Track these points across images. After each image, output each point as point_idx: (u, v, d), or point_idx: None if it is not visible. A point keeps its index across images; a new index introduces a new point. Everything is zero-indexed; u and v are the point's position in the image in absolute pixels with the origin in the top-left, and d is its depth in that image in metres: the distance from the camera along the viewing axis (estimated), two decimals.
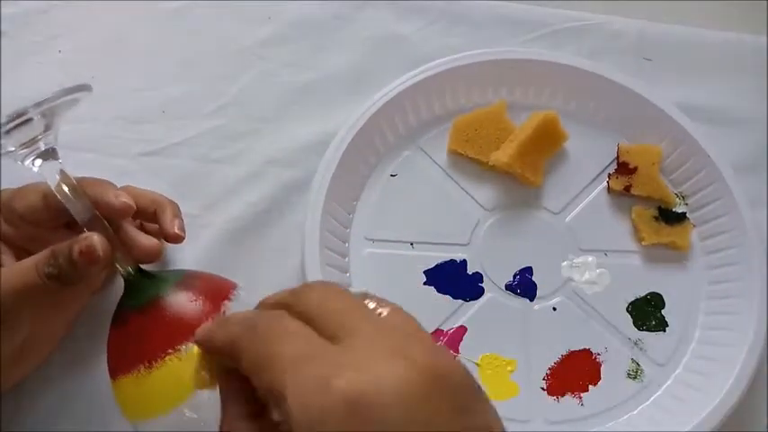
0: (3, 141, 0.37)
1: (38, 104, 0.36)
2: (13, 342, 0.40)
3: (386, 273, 0.50)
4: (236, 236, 0.51)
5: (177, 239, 0.45)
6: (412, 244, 0.51)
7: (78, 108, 0.49)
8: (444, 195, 0.53)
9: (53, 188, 0.39)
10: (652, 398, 0.48)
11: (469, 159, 0.53)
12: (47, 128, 0.38)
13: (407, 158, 0.54)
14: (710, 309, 0.50)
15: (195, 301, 0.39)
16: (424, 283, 0.50)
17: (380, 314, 0.29)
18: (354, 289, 0.43)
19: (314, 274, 0.47)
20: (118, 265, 0.40)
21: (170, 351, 0.37)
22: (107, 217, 0.41)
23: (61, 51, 0.56)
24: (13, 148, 0.38)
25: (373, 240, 0.51)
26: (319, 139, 0.53)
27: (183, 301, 0.39)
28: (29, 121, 0.36)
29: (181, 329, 0.37)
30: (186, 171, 0.53)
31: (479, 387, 0.27)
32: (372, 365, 0.25)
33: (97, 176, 0.50)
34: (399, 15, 0.59)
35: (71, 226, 0.42)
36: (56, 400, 0.45)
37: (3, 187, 0.43)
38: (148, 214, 0.46)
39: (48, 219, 0.41)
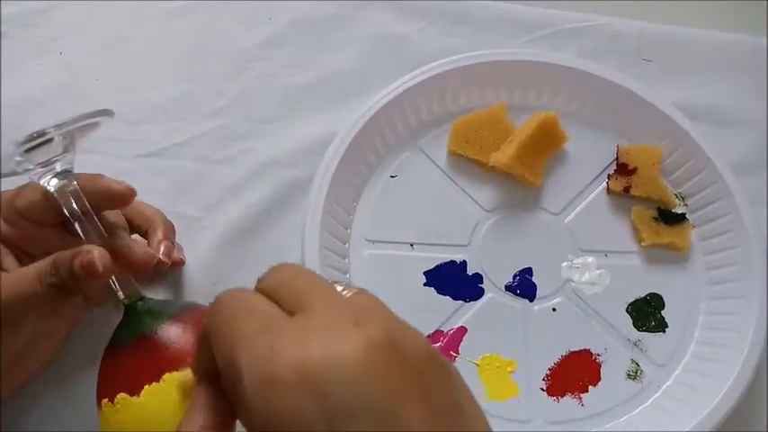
0: (21, 159, 0.37)
1: (58, 126, 0.37)
2: (15, 347, 0.40)
3: (386, 274, 0.50)
4: (237, 236, 0.51)
5: (160, 264, 0.44)
6: (412, 245, 0.51)
7: (78, 107, 0.49)
8: (444, 196, 0.53)
9: (64, 207, 0.39)
10: (652, 398, 0.48)
11: (469, 160, 0.53)
12: (65, 149, 0.39)
13: (407, 159, 0.54)
14: (710, 309, 0.50)
15: (185, 341, 0.38)
16: (425, 284, 0.50)
17: (344, 294, 0.28)
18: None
19: None
20: (119, 291, 0.40)
21: (148, 390, 0.37)
22: (109, 206, 0.42)
23: (62, 52, 0.56)
24: (32, 167, 0.38)
25: (373, 241, 0.51)
26: (320, 140, 0.53)
27: (171, 341, 0.38)
28: (48, 141, 0.37)
29: (174, 364, 0.37)
30: (187, 171, 0.53)
31: (449, 368, 0.26)
32: (325, 336, 0.24)
33: None
34: (399, 15, 0.59)
35: (66, 224, 0.42)
36: (55, 405, 0.45)
37: (3, 189, 0.42)
38: (142, 232, 0.45)
39: (48, 215, 0.41)
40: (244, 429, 0.29)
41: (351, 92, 0.56)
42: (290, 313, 0.26)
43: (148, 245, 0.44)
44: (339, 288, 0.28)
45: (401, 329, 0.25)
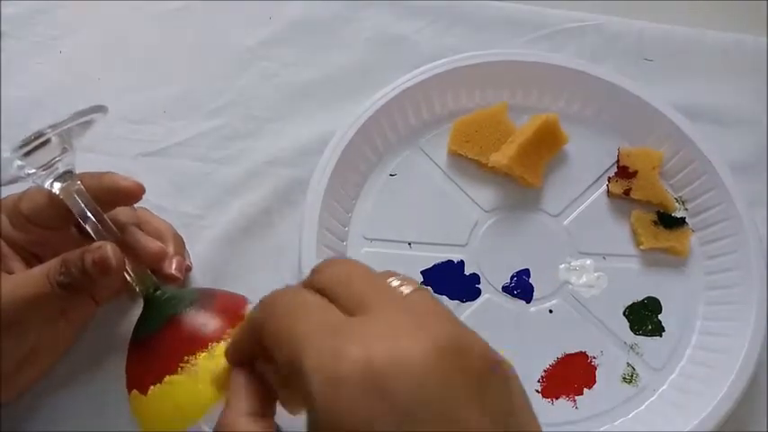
0: (22, 163, 0.37)
1: (54, 126, 0.37)
2: (21, 349, 0.40)
3: None
4: (237, 236, 0.51)
5: (173, 280, 0.44)
6: (410, 244, 0.51)
7: (78, 107, 0.49)
8: (443, 196, 0.53)
9: (72, 208, 0.39)
10: (647, 402, 0.47)
11: (469, 160, 0.53)
12: (64, 150, 0.39)
13: (407, 158, 0.54)
14: (708, 314, 0.50)
15: (213, 317, 0.39)
16: (422, 284, 0.50)
17: (402, 293, 0.28)
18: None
19: None
20: (137, 284, 0.41)
21: (189, 366, 0.37)
22: (117, 203, 0.42)
23: (62, 51, 0.56)
24: (34, 170, 0.38)
25: (371, 239, 0.51)
26: (320, 139, 0.53)
27: (201, 318, 0.39)
28: (46, 142, 0.37)
29: (200, 346, 0.38)
30: (187, 171, 0.53)
31: (508, 375, 0.26)
32: (391, 337, 0.25)
33: None
34: (400, 15, 0.59)
35: (79, 227, 0.42)
36: (60, 405, 0.45)
37: (7, 194, 0.42)
38: None
39: (54, 217, 0.41)
40: (284, 413, 0.31)
41: (351, 91, 0.56)
42: (349, 313, 0.27)
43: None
44: (395, 282, 0.29)
45: (464, 335, 0.26)
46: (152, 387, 0.37)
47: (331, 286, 0.28)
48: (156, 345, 0.39)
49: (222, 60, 0.57)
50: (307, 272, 0.45)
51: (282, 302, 0.28)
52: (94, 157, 0.52)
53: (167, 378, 0.37)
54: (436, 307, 0.28)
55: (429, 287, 0.29)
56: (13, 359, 0.40)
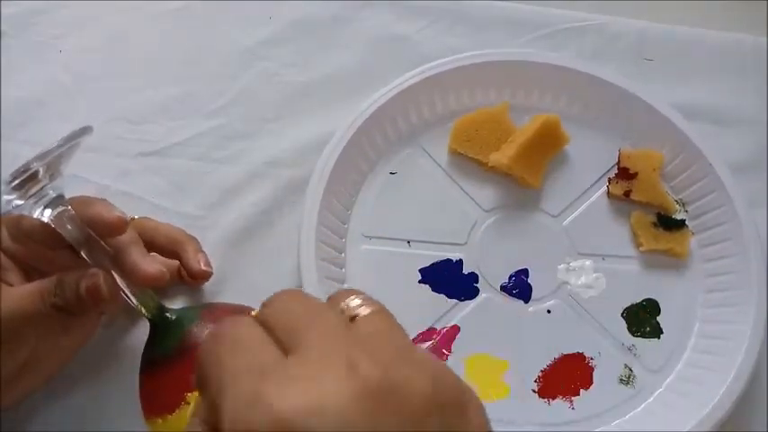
0: (8, 197, 0.36)
1: (41, 156, 0.36)
2: (15, 361, 0.39)
3: (382, 270, 0.50)
4: (237, 236, 0.51)
5: (205, 276, 0.45)
6: (409, 242, 0.51)
7: (78, 107, 0.49)
8: (443, 195, 0.53)
9: (64, 234, 0.38)
10: (643, 404, 0.47)
11: (470, 159, 0.53)
12: (52, 176, 0.37)
13: (408, 157, 0.54)
14: (706, 317, 0.50)
15: None
16: (420, 282, 0.50)
17: (355, 316, 0.26)
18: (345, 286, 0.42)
19: (309, 270, 0.47)
20: (141, 308, 0.40)
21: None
22: (102, 234, 0.40)
23: (62, 51, 0.57)
24: (22, 202, 0.37)
25: (370, 237, 0.51)
26: (320, 139, 0.53)
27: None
28: (34, 174, 0.36)
29: None
30: (186, 171, 0.53)
31: (461, 408, 0.24)
32: (311, 383, 0.22)
33: (97, 176, 0.51)
34: (400, 15, 0.59)
35: (74, 248, 0.41)
36: (55, 417, 0.45)
37: None
38: (167, 252, 0.45)
39: (50, 239, 0.40)
40: None
41: (351, 91, 0.56)
42: (285, 350, 0.25)
43: (183, 263, 0.45)
44: (355, 302, 0.27)
45: (404, 366, 0.23)
46: (176, 411, 0.38)
47: (271, 319, 0.26)
48: (172, 369, 0.39)
49: (222, 60, 0.57)
50: (306, 272, 0.46)
51: (224, 336, 0.26)
52: (94, 157, 0.52)
53: (188, 399, 0.38)
54: (382, 334, 0.25)
55: (389, 310, 0.27)
56: (8, 370, 0.39)
